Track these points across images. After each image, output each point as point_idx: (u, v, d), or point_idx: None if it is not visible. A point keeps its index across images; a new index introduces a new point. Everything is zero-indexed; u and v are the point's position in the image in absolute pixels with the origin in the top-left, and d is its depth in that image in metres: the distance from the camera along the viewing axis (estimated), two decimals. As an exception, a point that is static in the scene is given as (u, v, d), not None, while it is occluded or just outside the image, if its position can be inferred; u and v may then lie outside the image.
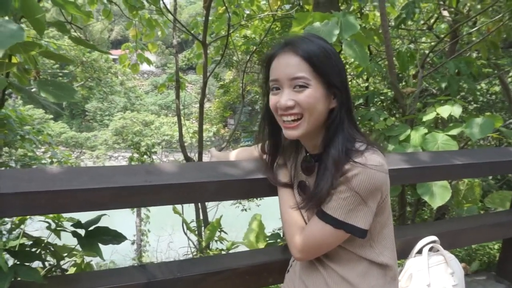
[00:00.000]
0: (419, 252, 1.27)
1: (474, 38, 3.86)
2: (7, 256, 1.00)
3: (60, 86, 1.66)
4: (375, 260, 0.89)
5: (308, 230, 0.87)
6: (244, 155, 1.19)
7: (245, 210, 7.53)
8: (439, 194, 1.99)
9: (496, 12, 3.24)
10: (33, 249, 1.12)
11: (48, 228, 1.19)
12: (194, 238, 4.11)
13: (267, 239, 1.66)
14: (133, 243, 8.21)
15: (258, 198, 7.56)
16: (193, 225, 3.88)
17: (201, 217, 4.32)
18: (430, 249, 1.27)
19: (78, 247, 1.20)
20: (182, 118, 4.62)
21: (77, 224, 1.05)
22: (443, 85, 2.52)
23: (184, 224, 3.58)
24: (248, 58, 5.35)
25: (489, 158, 1.43)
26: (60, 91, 1.64)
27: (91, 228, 1.05)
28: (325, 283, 0.89)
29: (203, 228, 4.04)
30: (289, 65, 0.84)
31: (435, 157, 1.33)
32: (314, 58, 0.83)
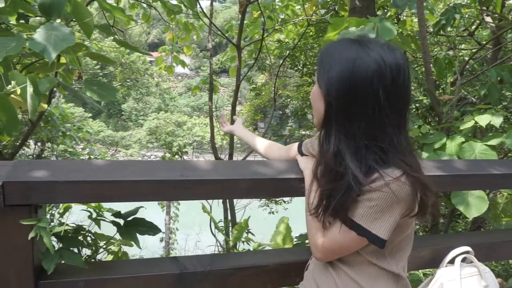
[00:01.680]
0: (451, 262, 1.24)
1: (519, 45, 3.69)
2: (53, 240, 1.08)
3: (103, 86, 1.76)
4: (387, 268, 0.88)
5: (331, 232, 0.88)
6: (278, 153, 1.22)
7: (272, 213, 7.55)
8: (475, 205, 1.92)
9: (544, 18, 3.08)
10: (76, 235, 1.20)
11: (89, 217, 1.27)
12: (221, 238, 4.18)
13: (295, 240, 1.68)
14: (161, 240, 8.44)
15: (286, 202, 7.55)
16: (221, 225, 3.94)
17: (229, 218, 4.38)
18: (463, 260, 1.24)
19: (115, 237, 1.28)
20: (214, 120, 4.72)
21: (117, 214, 1.12)
22: (482, 92, 2.43)
23: (211, 224, 3.65)
24: (281, 62, 5.38)
25: (531, 170, 1.37)
26: (104, 90, 1.74)
27: (129, 219, 1.11)
28: (334, 283, 0.91)
29: (230, 228, 4.10)
30: None
31: (471, 165, 1.29)
32: (319, 54, 0.89)
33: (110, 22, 3.74)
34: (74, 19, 1.69)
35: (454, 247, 1.25)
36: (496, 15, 3.16)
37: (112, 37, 1.95)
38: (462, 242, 1.31)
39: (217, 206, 4.81)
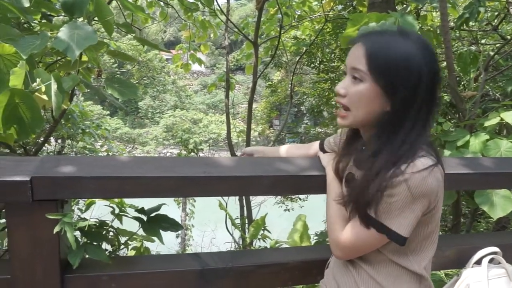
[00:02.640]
0: (478, 262, 1.21)
1: (546, 40, 3.55)
2: (78, 234, 1.10)
3: (124, 84, 1.79)
4: (409, 268, 0.86)
5: (351, 229, 0.86)
6: (298, 153, 1.21)
7: (288, 210, 7.54)
8: (500, 204, 1.86)
9: None
10: (99, 231, 1.22)
11: (112, 213, 1.29)
12: (236, 235, 4.19)
13: (316, 237, 1.67)
14: (177, 237, 8.53)
15: (302, 199, 7.53)
16: (237, 222, 3.94)
17: (245, 214, 4.39)
18: (490, 261, 1.20)
19: (138, 232, 1.29)
20: (230, 117, 4.73)
21: (140, 210, 1.13)
22: (509, 88, 2.36)
23: (227, 221, 3.65)
24: (298, 59, 5.34)
25: None
26: (124, 88, 1.76)
27: (152, 215, 1.12)
28: (354, 281, 0.89)
29: (246, 225, 4.11)
30: (354, 54, 0.84)
31: (499, 163, 1.25)
32: (374, 54, 0.81)
33: (128, 20, 3.79)
34: (96, 18, 1.72)
35: (479, 247, 1.22)
36: (522, 8, 3.05)
37: (129, 35, 1.97)
38: (487, 242, 1.27)
39: (233, 203, 4.83)
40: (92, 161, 0.98)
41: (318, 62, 6.64)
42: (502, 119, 2.08)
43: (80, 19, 1.62)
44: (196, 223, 8.40)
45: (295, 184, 1.02)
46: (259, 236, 3.23)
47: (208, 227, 7.32)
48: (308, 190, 1.07)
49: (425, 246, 0.89)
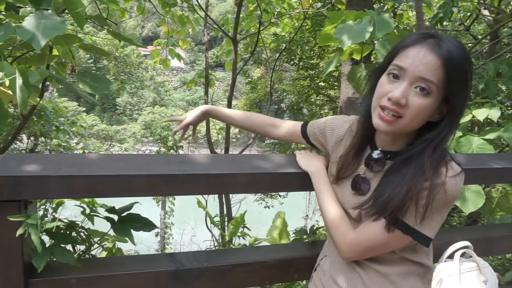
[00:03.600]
0: (450, 257, 1.23)
1: (516, 40, 3.68)
2: (45, 237, 1.05)
3: (97, 78, 1.72)
4: (420, 261, 0.88)
5: (371, 230, 0.83)
6: (271, 132, 1.13)
7: (268, 207, 7.56)
8: (472, 199, 1.92)
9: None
10: (68, 232, 1.17)
11: (83, 212, 1.24)
12: (216, 233, 4.16)
13: (293, 235, 1.67)
14: (157, 235, 8.41)
15: (282, 196, 7.56)
16: (217, 219, 3.91)
17: (225, 212, 4.37)
18: (462, 255, 1.23)
19: (110, 233, 1.25)
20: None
21: (111, 209, 1.08)
22: (480, 86, 2.43)
23: (207, 219, 3.62)
24: (277, 56, 5.34)
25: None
26: (97, 82, 1.70)
27: (123, 214, 1.08)
28: (361, 281, 0.88)
29: (226, 223, 4.08)
30: (426, 63, 0.76)
31: (471, 159, 1.28)
32: (453, 69, 0.76)
33: (104, 15, 3.67)
34: (65, 10, 1.64)
35: (452, 242, 1.24)
36: (493, 8, 3.15)
37: (106, 30, 1.90)
38: (460, 236, 1.30)
39: (212, 201, 4.79)
40: (59, 159, 0.93)
41: (297, 59, 6.66)
42: (474, 116, 2.14)
43: (49, 11, 1.54)
44: (176, 221, 8.30)
45: (273, 181, 1.01)
46: (238, 234, 3.21)
47: (188, 225, 7.26)
48: (286, 188, 1.06)
49: None
